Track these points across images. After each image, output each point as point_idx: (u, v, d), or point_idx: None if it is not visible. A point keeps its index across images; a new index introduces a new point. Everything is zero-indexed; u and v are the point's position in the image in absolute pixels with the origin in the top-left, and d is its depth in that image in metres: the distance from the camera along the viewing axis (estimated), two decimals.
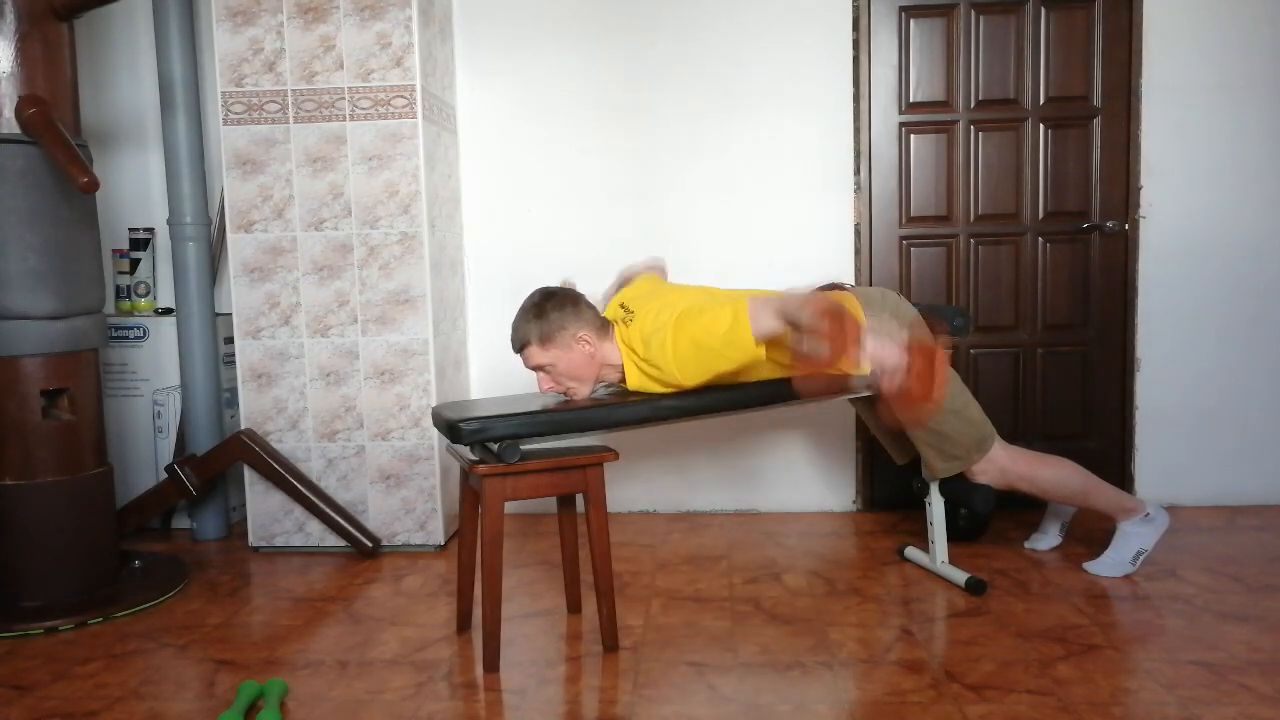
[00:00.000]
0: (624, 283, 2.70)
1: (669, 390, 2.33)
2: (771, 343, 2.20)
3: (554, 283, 2.39)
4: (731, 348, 2.17)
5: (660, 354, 2.24)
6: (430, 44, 3.12)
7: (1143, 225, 3.33)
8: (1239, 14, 3.26)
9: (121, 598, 2.67)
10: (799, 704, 1.98)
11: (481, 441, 2.20)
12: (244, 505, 3.24)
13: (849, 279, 3.39)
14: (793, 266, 3.36)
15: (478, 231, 3.51)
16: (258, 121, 3.04)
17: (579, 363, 2.31)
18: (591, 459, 2.22)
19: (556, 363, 2.30)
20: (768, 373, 2.37)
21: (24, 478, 2.60)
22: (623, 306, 2.42)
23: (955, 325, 2.64)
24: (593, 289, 2.43)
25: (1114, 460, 3.40)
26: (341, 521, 3.04)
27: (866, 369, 2.09)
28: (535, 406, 2.27)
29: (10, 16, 2.53)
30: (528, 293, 2.38)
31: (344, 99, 3.01)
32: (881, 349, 2.03)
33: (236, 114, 3.05)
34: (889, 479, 3.42)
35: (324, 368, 3.09)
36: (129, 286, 3.47)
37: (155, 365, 3.40)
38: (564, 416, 2.24)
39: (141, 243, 3.47)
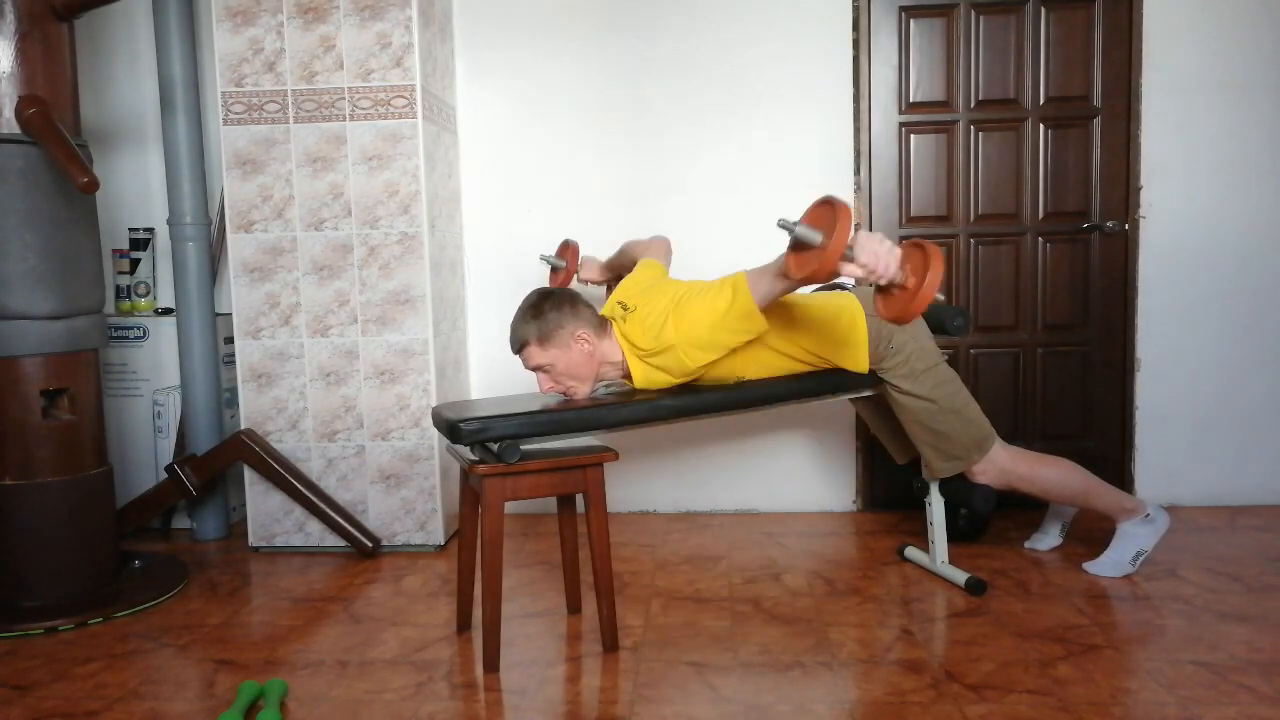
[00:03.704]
0: (624, 254, 2.78)
1: (675, 381, 2.34)
2: (775, 328, 2.28)
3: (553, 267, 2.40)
4: (736, 319, 2.18)
5: (668, 337, 2.24)
6: (430, 44, 3.12)
7: (1143, 225, 3.33)
8: (1239, 14, 3.26)
9: (121, 598, 2.67)
10: (799, 704, 1.98)
11: (481, 441, 2.20)
12: (244, 505, 3.24)
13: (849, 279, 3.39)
14: None
15: (478, 231, 3.51)
16: (258, 121, 3.04)
17: (578, 361, 2.31)
18: (591, 459, 2.22)
19: (555, 362, 2.30)
20: (768, 367, 2.38)
21: (24, 478, 2.60)
22: (620, 304, 2.42)
23: (955, 325, 2.63)
24: (592, 290, 2.43)
25: (1114, 460, 3.40)
26: (341, 521, 3.04)
27: (863, 260, 1.99)
28: (535, 406, 2.27)
29: (10, 16, 2.53)
30: (527, 293, 2.39)
31: (344, 99, 3.01)
32: (874, 240, 1.98)
33: (236, 114, 3.05)
34: (889, 479, 3.42)
35: (324, 368, 3.09)
36: (129, 286, 3.47)
37: (155, 365, 3.40)
38: (564, 416, 2.24)
39: (141, 243, 3.47)
